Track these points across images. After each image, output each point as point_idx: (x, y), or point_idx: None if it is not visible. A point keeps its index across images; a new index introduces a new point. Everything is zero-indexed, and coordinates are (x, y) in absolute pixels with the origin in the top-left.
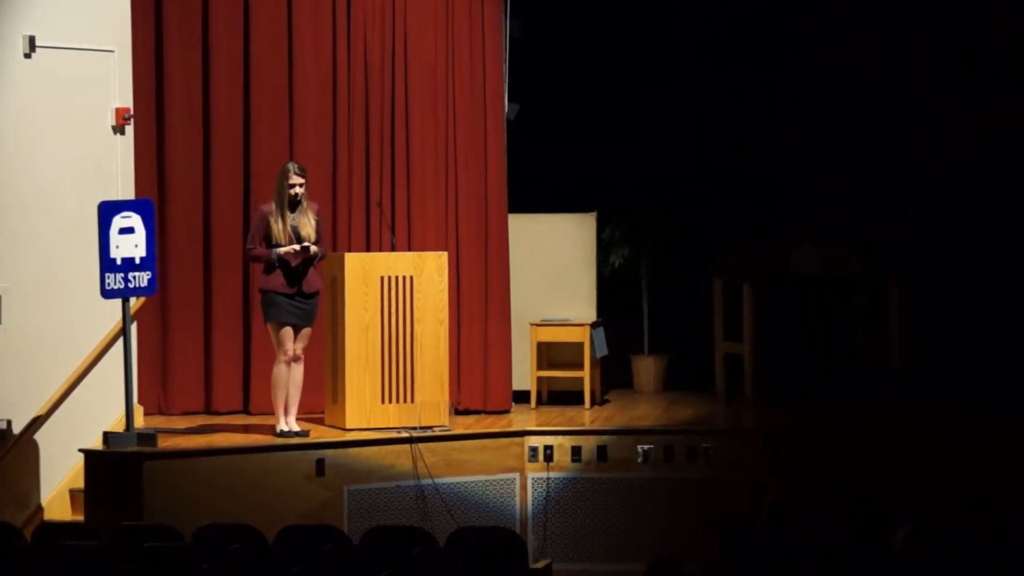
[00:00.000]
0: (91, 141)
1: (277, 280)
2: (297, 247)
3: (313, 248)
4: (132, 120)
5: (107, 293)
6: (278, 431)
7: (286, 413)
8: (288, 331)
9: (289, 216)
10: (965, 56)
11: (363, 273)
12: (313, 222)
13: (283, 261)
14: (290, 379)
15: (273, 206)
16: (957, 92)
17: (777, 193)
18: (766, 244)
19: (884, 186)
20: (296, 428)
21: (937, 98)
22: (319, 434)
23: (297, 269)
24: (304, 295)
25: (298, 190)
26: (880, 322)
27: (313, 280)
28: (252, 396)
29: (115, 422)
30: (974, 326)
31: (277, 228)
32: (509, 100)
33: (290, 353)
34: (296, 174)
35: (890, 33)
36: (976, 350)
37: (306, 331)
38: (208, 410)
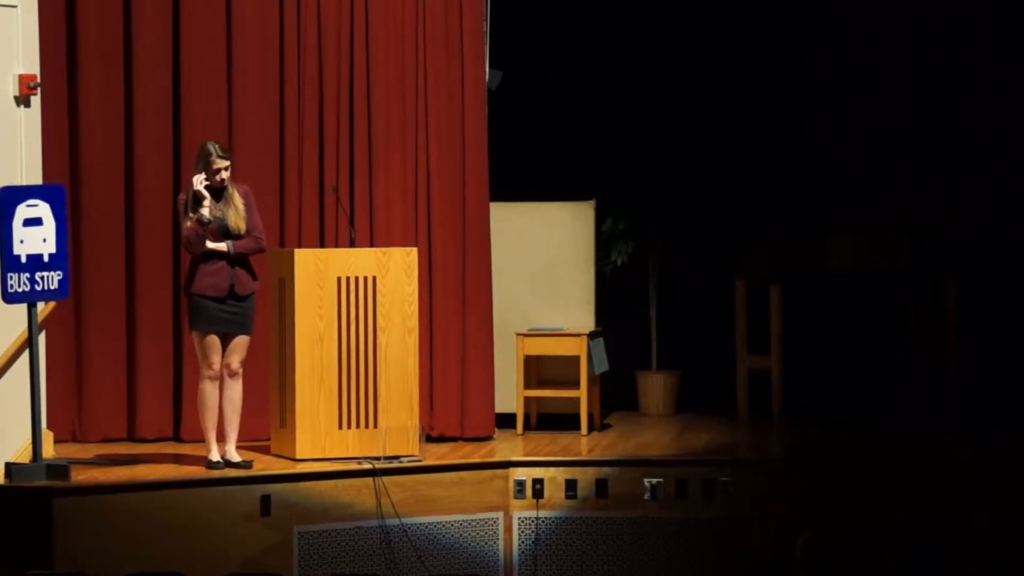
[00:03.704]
0: None
1: (205, 281)
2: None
3: (221, 246)
4: (39, 89)
5: (9, 297)
6: (209, 462)
7: (222, 440)
8: (214, 341)
9: (213, 206)
10: None
11: (316, 273)
12: (242, 210)
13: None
14: (226, 399)
15: (190, 195)
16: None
17: (811, 176)
18: (798, 236)
19: (938, 166)
20: (236, 458)
21: (999, 67)
22: (264, 466)
23: (226, 263)
24: (236, 297)
25: (224, 175)
26: (934, 325)
27: (245, 280)
28: (184, 420)
29: (19, 451)
30: None
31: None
32: (491, 66)
33: (216, 367)
34: (220, 156)
35: None
36: None
37: (241, 340)
38: (132, 437)
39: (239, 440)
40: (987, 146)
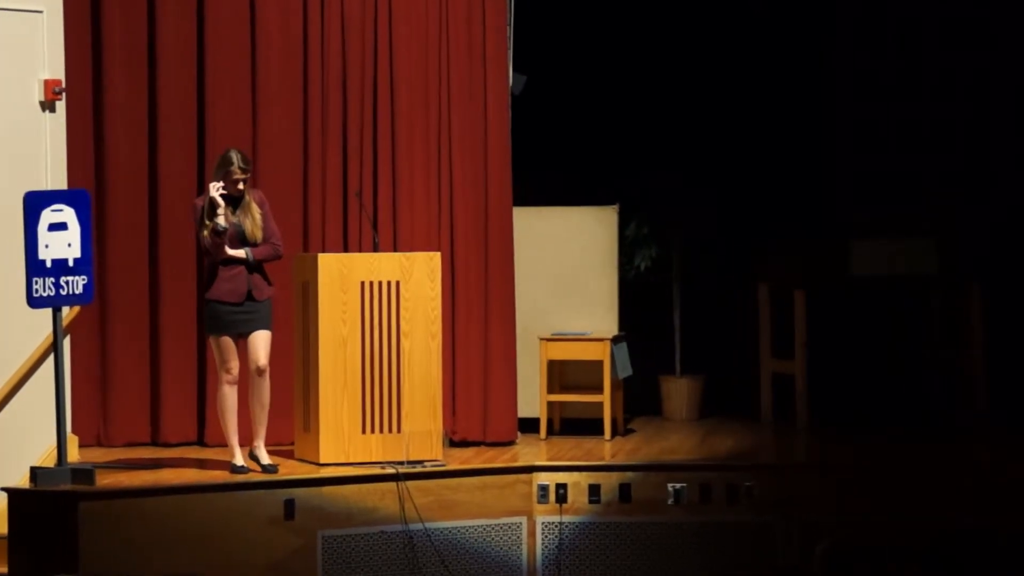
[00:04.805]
0: (14, 119)
1: (223, 287)
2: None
3: (240, 253)
4: (64, 95)
5: (35, 301)
6: (233, 466)
7: (248, 441)
8: (229, 344)
9: (230, 214)
10: None
11: (340, 277)
12: (259, 218)
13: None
14: (255, 398)
15: (206, 202)
16: None
17: (834, 179)
18: (822, 240)
19: (964, 169)
20: (265, 458)
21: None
22: (289, 470)
23: (244, 268)
24: (253, 301)
25: (242, 186)
26: (958, 331)
27: (262, 286)
28: (208, 425)
29: (45, 455)
30: None
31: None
32: (514, 71)
33: (234, 371)
34: (241, 168)
35: None
36: None
37: (262, 335)
38: (156, 441)
39: (265, 443)
40: (1007, 148)
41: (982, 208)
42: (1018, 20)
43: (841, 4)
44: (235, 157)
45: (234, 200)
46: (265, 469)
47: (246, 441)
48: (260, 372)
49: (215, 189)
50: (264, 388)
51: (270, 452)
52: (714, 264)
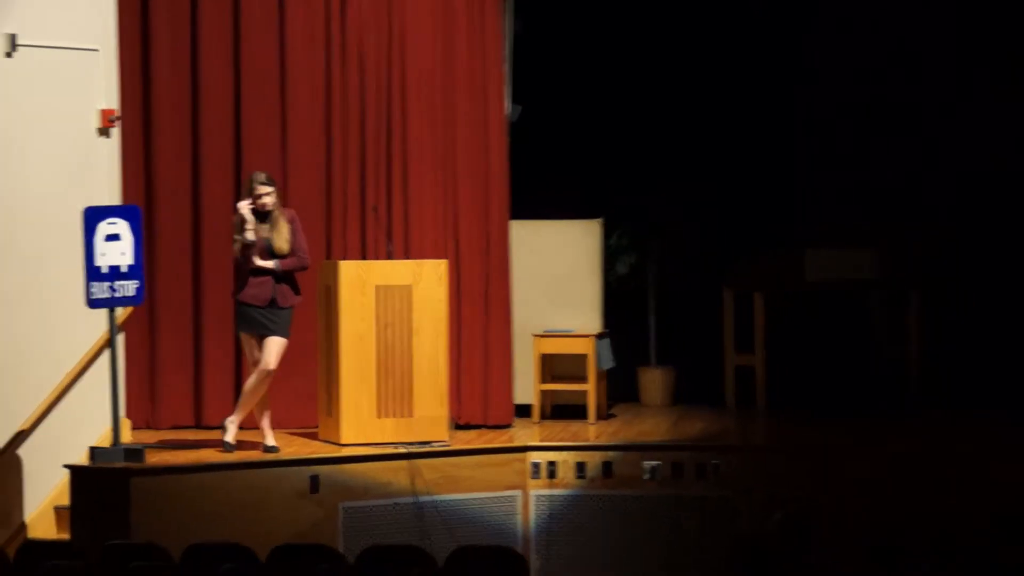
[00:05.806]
0: (75, 144)
1: (250, 292)
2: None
3: (268, 264)
4: (118, 122)
5: (93, 303)
6: (266, 446)
7: (255, 420)
8: (253, 341)
9: (260, 228)
10: (992, 49)
11: (359, 282)
12: (287, 233)
13: (247, 247)
14: (247, 383)
15: (237, 217)
16: (983, 88)
17: (791, 196)
18: (780, 250)
19: (904, 187)
20: (230, 438)
21: (961, 94)
22: (313, 449)
23: (271, 278)
24: (277, 306)
25: (267, 200)
26: (899, 330)
27: (288, 294)
28: None
29: (101, 437)
30: (999, 334)
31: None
32: (511, 101)
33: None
34: (262, 184)
35: (911, 24)
36: (1002, 360)
37: (275, 340)
38: (198, 424)
39: (293, 428)
40: (951, 166)
41: (922, 220)
42: (959, 53)
43: (805, 49)
44: (257, 176)
45: (263, 216)
46: (226, 446)
47: (276, 424)
48: (268, 374)
49: (244, 206)
50: (264, 386)
51: (298, 435)
52: (685, 270)
